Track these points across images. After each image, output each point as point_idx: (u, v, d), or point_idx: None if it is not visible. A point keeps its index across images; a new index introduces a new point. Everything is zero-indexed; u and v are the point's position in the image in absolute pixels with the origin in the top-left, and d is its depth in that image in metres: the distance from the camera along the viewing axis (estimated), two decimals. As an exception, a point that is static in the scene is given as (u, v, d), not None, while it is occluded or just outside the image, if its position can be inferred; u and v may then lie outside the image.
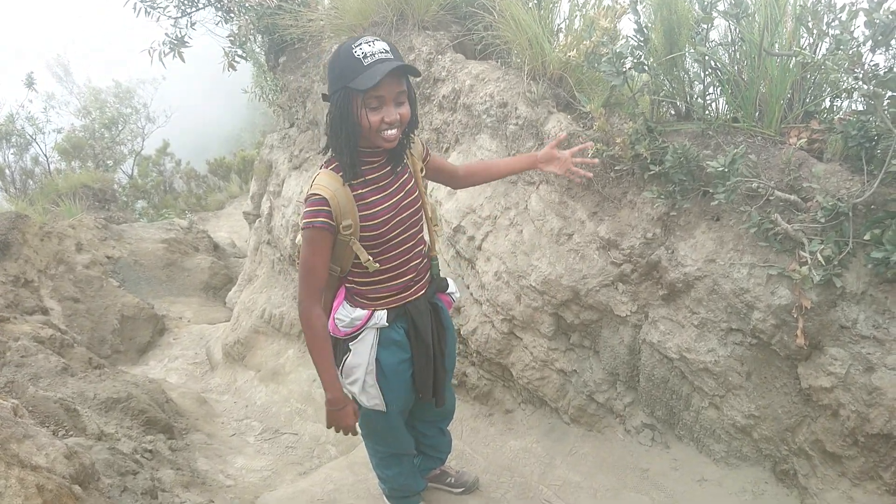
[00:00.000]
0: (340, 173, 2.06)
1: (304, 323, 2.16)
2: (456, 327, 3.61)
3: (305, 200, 2.07)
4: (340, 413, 2.26)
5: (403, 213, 2.21)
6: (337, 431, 2.32)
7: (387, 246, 2.22)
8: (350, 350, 2.30)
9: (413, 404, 2.64)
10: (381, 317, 2.30)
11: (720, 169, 2.46)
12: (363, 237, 2.15)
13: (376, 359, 2.33)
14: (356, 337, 2.30)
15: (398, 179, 2.20)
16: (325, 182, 2.06)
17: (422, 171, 2.36)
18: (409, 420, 2.77)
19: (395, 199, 2.18)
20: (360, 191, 2.10)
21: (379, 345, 2.33)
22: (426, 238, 2.45)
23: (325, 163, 2.13)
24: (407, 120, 2.03)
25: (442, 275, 2.56)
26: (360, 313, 2.29)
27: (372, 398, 2.36)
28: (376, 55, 1.89)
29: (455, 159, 3.76)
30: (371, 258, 2.20)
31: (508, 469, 3.26)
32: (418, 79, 3.90)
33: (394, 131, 2.00)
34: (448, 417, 2.94)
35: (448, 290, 2.56)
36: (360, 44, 1.90)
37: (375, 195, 2.14)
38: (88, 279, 7.25)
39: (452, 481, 3.12)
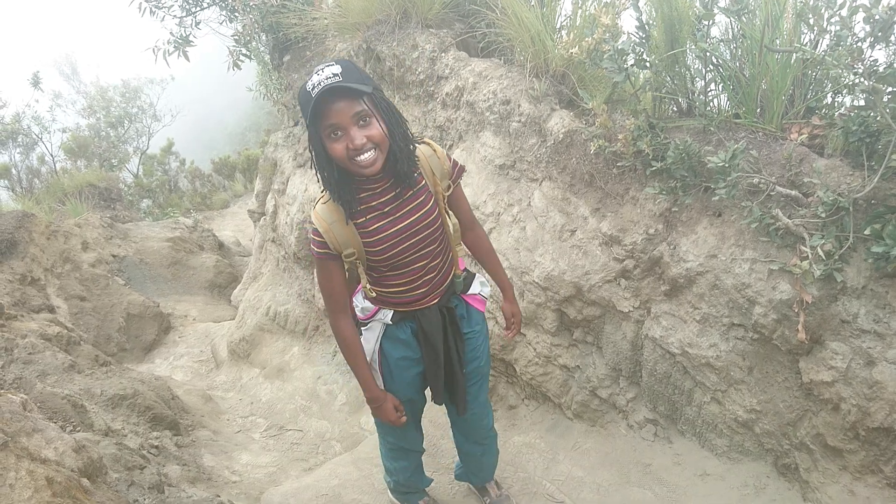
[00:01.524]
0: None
1: (334, 335, 2.28)
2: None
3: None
4: (381, 409, 2.39)
5: (416, 237, 2.13)
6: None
7: (396, 268, 2.19)
8: (362, 334, 2.38)
9: (451, 416, 2.71)
10: (387, 315, 2.34)
11: (721, 164, 2.47)
12: (370, 261, 2.16)
13: (381, 349, 2.38)
14: (367, 324, 2.38)
15: (410, 202, 2.10)
16: (322, 214, 2.06)
17: (448, 188, 2.21)
18: (454, 434, 2.83)
19: (404, 224, 2.10)
20: (360, 220, 2.06)
21: (384, 337, 2.37)
22: (448, 253, 2.33)
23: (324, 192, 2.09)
24: (381, 139, 1.89)
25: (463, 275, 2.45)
26: (369, 305, 2.36)
27: (379, 382, 2.44)
28: (322, 83, 1.78)
29: (459, 156, 3.78)
30: (370, 285, 2.28)
31: (512, 464, 3.28)
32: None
33: (368, 155, 1.88)
34: (483, 431, 2.78)
35: (472, 291, 2.48)
36: (313, 74, 1.82)
37: (378, 222, 2.08)
38: (94, 277, 7.29)
39: (489, 502, 3.03)
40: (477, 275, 2.53)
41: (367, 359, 2.35)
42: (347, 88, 1.79)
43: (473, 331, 2.50)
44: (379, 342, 2.37)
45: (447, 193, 2.21)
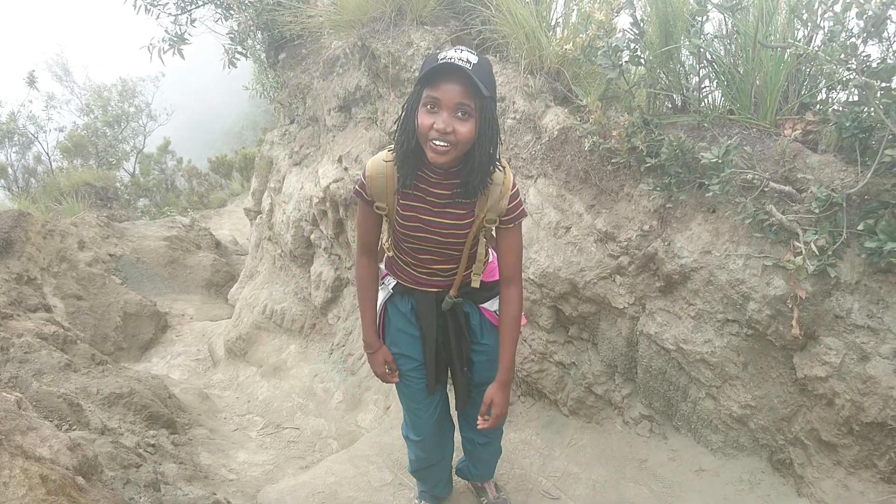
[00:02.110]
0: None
1: (354, 270, 2.32)
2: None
3: None
4: (371, 357, 2.46)
5: (437, 237, 2.12)
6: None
7: (409, 245, 2.21)
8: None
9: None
10: (392, 283, 2.40)
11: (715, 160, 2.48)
12: (395, 224, 2.18)
13: (385, 313, 2.44)
14: (382, 283, 2.45)
15: (452, 207, 2.07)
16: (376, 162, 2.10)
17: (492, 222, 2.12)
18: (459, 422, 2.82)
19: (434, 220, 2.09)
20: (407, 191, 2.07)
21: (390, 304, 2.43)
22: (456, 269, 2.27)
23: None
24: (465, 140, 1.85)
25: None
26: (382, 267, 2.44)
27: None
28: (454, 60, 1.76)
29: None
30: (390, 244, 2.32)
31: (508, 461, 3.28)
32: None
33: (444, 144, 1.84)
34: (481, 432, 2.69)
35: (490, 306, 2.39)
36: (450, 49, 1.82)
37: (418, 203, 2.08)
38: (91, 277, 7.28)
39: (486, 502, 3.01)
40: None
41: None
42: (470, 79, 1.78)
43: (486, 344, 2.43)
44: (384, 306, 2.43)
45: (488, 225, 2.13)
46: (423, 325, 2.38)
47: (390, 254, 2.36)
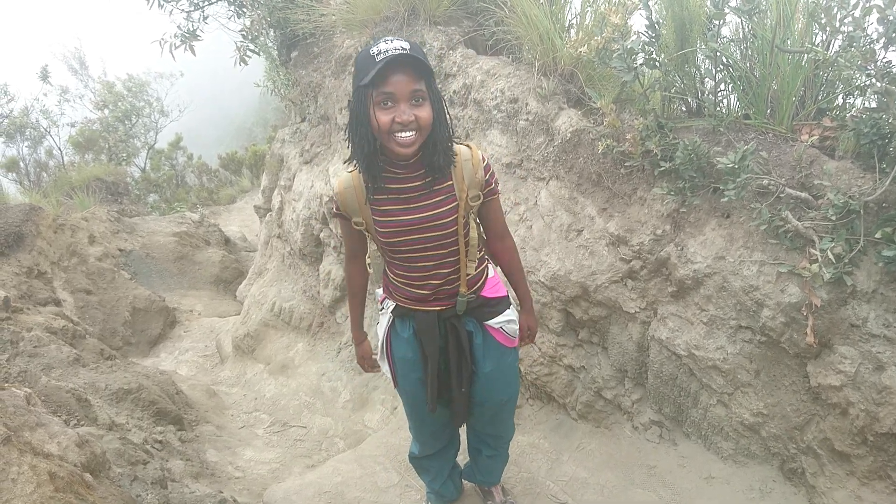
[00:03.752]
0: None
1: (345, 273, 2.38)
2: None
3: None
4: (356, 350, 2.62)
5: (425, 233, 2.07)
6: None
7: (403, 259, 2.17)
8: (378, 321, 2.46)
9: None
10: (391, 306, 2.35)
11: (730, 165, 2.45)
12: (379, 241, 2.16)
13: (389, 343, 2.40)
14: (381, 308, 2.43)
15: (429, 197, 2.03)
16: (344, 179, 2.09)
17: (476, 199, 2.10)
18: (467, 430, 2.79)
19: (416, 216, 2.04)
20: (377, 197, 2.04)
21: (392, 332, 2.38)
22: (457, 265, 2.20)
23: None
24: (427, 123, 1.86)
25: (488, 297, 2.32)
26: (380, 292, 2.42)
27: (385, 369, 2.48)
28: (390, 52, 1.76)
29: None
30: (385, 266, 2.30)
31: (515, 464, 3.26)
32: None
33: (409, 135, 1.85)
34: (496, 440, 2.74)
35: (496, 322, 2.32)
36: (379, 42, 1.81)
37: (393, 205, 2.04)
38: (101, 271, 7.30)
39: None
40: (509, 310, 2.36)
41: (379, 344, 2.43)
42: (416, 60, 1.79)
43: (487, 370, 2.35)
44: (387, 335, 2.39)
45: (474, 204, 2.10)
46: (426, 345, 2.29)
47: (388, 275, 2.30)
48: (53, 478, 1.94)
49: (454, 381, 2.35)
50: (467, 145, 2.09)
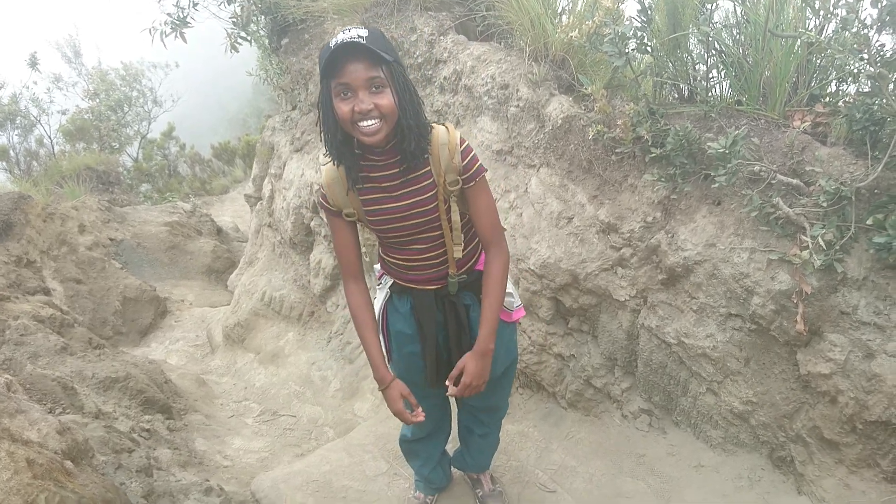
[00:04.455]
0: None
1: (346, 298, 2.24)
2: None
3: None
4: (386, 394, 2.20)
5: (411, 220, 2.05)
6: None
7: (394, 244, 2.16)
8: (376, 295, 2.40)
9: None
10: (389, 282, 2.34)
11: (721, 151, 2.42)
12: (371, 228, 2.14)
13: (386, 316, 2.37)
14: (379, 283, 2.39)
15: (410, 184, 2.01)
16: (327, 171, 2.05)
17: (455, 183, 2.03)
18: (458, 411, 2.77)
19: (401, 204, 2.02)
20: (363, 185, 2.02)
21: (389, 305, 2.36)
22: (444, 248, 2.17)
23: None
24: (389, 111, 1.82)
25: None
26: (378, 267, 2.39)
27: (381, 343, 2.36)
28: (345, 40, 1.73)
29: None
30: (380, 249, 2.28)
31: (504, 452, 3.24)
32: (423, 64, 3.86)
33: (370, 123, 1.82)
34: (489, 416, 2.72)
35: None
36: (338, 34, 1.77)
37: (378, 194, 2.03)
38: (91, 260, 7.24)
39: (480, 494, 2.96)
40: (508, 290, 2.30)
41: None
42: (368, 50, 1.74)
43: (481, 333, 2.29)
44: (384, 309, 2.36)
45: (453, 188, 2.04)
46: (424, 322, 2.29)
47: (384, 257, 2.30)
48: (32, 465, 1.91)
49: (454, 354, 2.32)
50: (445, 126, 2.03)
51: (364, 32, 1.76)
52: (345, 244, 2.17)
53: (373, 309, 2.28)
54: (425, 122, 1.97)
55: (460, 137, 2.04)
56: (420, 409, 2.22)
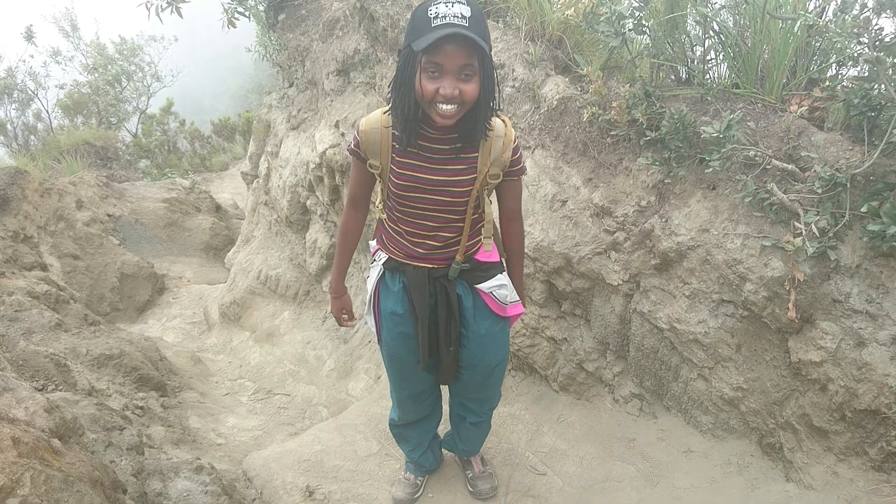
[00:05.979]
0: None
1: (340, 220, 2.31)
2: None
3: None
4: (333, 301, 2.55)
5: (436, 196, 2.04)
6: None
7: (408, 213, 2.13)
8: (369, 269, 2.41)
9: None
10: (383, 258, 2.31)
11: (716, 135, 2.39)
12: (390, 189, 2.11)
13: (378, 296, 2.37)
14: (372, 261, 2.38)
15: (451, 163, 2.00)
16: (371, 118, 2.05)
17: (496, 177, 2.06)
18: (450, 396, 2.76)
19: (432, 178, 2.01)
20: (406, 149, 2.01)
21: (381, 284, 2.35)
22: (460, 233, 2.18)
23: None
24: (471, 99, 1.81)
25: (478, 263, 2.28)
26: (373, 243, 2.38)
27: (371, 323, 2.44)
28: (448, 18, 1.68)
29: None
30: (382, 206, 2.23)
31: (496, 435, 3.25)
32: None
33: (451, 107, 1.80)
34: (481, 405, 2.71)
35: (486, 287, 2.27)
36: (440, 3, 1.70)
37: (415, 160, 2.00)
38: (88, 236, 7.23)
39: (470, 476, 2.96)
40: (501, 275, 2.32)
41: (368, 298, 2.39)
42: (472, 41, 1.70)
43: (478, 330, 2.33)
44: (376, 288, 2.35)
45: (492, 182, 2.07)
46: (416, 300, 2.26)
47: (383, 215, 2.26)
48: (17, 443, 1.91)
49: (442, 340, 2.33)
50: (503, 119, 2.03)
51: (467, 12, 1.71)
52: (360, 182, 2.22)
53: (358, 236, 2.40)
54: (494, 111, 1.96)
55: (514, 134, 2.06)
56: (353, 321, 2.60)
